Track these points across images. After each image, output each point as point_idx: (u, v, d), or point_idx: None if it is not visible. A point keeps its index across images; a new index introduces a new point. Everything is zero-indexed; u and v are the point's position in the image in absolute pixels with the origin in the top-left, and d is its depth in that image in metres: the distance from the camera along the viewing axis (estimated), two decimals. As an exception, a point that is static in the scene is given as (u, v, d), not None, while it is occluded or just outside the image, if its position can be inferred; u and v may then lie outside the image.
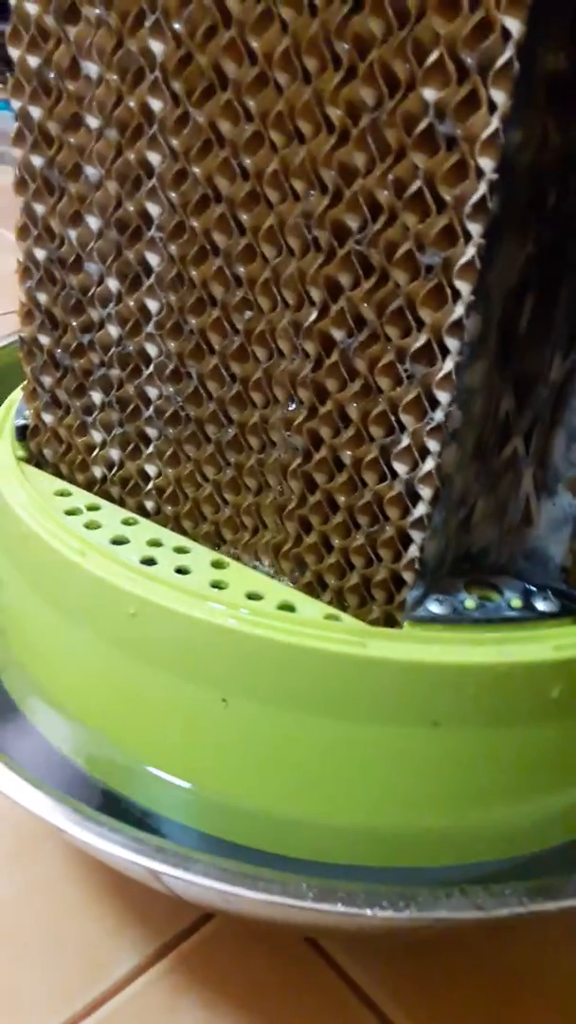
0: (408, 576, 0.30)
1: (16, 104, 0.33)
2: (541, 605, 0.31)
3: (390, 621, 0.32)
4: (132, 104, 0.30)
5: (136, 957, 0.37)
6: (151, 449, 0.35)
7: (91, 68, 0.31)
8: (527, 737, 0.31)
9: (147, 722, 0.33)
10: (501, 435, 0.30)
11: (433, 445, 0.28)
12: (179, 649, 0.31)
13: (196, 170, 0.30)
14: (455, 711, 0.30)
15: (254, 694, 0.31)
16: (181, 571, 0.33)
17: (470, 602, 0.31)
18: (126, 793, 0.35)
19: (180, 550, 0.35)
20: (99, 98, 0.31)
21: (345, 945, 0.39)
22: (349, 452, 0.30)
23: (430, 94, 0.24)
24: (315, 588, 0.33)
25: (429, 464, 0.28)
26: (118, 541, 0.35)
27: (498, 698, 0.30)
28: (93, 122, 0.31)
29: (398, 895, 0.26)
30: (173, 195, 0.31)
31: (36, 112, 0.32)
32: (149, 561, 0.34)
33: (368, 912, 0.26)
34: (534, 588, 0.32)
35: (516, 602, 0.31)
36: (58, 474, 0.39)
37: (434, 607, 0.31)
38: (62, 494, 0.37)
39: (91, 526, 0.35)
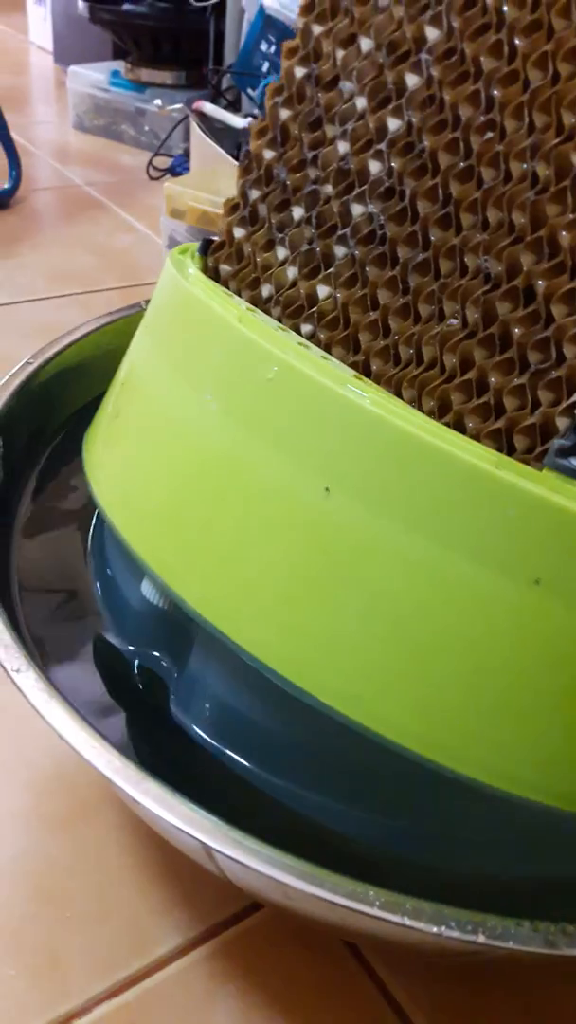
0: (561, 422, 0.29)
1: None
2: None
3: (523, 472, 0.30)
4: None
5: (179, 938, 0.37)
6: (332, 269, 0.35)
7: None
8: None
9: (239, 508, 0.31)
10: None
11: None
12: (302, 423, 0.30)
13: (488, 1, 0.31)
14: (562, 572, 0.28)
15: (359, 488, 0.29)
16: (326, 367, 0.33)
17: (618, 476, 0.29)
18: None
19: (326, 358, 0.34)
20: None
21: (384, 956, 0.38)
22: (545, 281, 0.29)
23: None
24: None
25: (629, 298, 0.27)
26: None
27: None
28: (402, -47, 0.34)
29: (467, 920, 0.25)
30: (456, 22, 0.32)
31: None
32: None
33: (434, 930, 0.25)
34: None
35: None
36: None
37: (578, 463, 0.29)
38: (226, 292, 0.37)
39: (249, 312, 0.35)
